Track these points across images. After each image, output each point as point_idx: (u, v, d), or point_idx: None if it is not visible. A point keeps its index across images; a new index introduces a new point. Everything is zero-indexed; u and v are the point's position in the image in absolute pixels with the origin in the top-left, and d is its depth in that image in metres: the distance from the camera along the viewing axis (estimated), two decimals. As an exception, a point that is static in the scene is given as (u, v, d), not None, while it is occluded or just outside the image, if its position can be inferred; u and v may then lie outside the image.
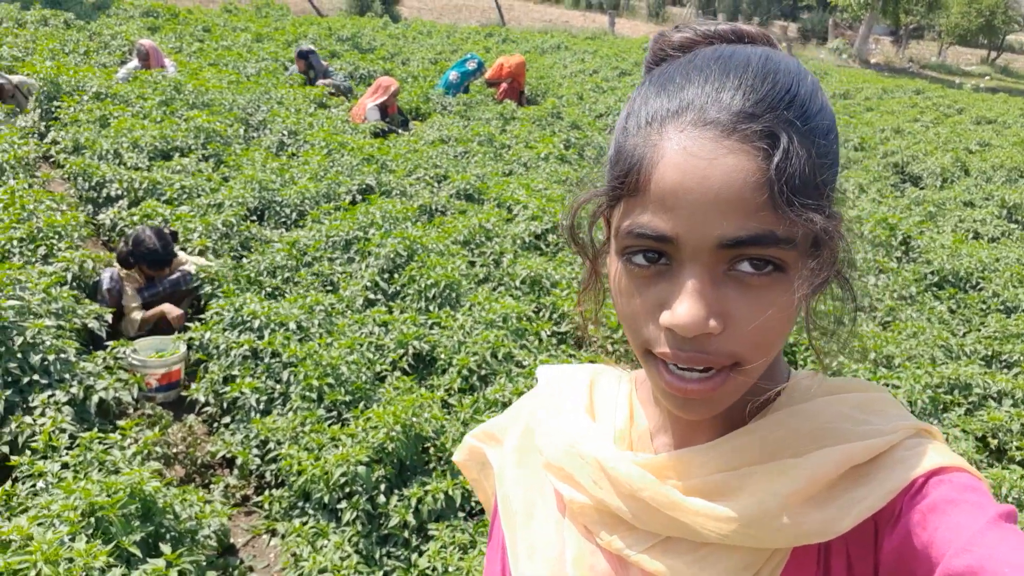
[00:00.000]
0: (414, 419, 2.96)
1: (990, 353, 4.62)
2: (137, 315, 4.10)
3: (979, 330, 4.99)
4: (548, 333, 4.06)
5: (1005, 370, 4.52)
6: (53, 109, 6.80)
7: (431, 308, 4.07)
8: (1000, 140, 11.31)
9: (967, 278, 5.63)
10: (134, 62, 8.41)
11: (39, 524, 2.16)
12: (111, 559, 2.11)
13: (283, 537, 2.86)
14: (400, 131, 8.30)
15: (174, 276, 4.19)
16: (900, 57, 28.49)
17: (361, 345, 3.60)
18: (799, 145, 0.58)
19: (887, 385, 3.92)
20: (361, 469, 2.77)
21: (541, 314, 4.29)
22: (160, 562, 2.13)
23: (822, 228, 0.58)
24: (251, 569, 2.88)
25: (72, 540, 2.10)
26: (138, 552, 2.20)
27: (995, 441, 3.83)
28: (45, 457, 2.62)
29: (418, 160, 6.60)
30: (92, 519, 2.28)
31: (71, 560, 1.99)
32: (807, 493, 0.62)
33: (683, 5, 36.69)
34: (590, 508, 0.72)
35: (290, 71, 9.65)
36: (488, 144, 7.66)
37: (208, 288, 4.09)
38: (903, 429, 0.65)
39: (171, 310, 4.07)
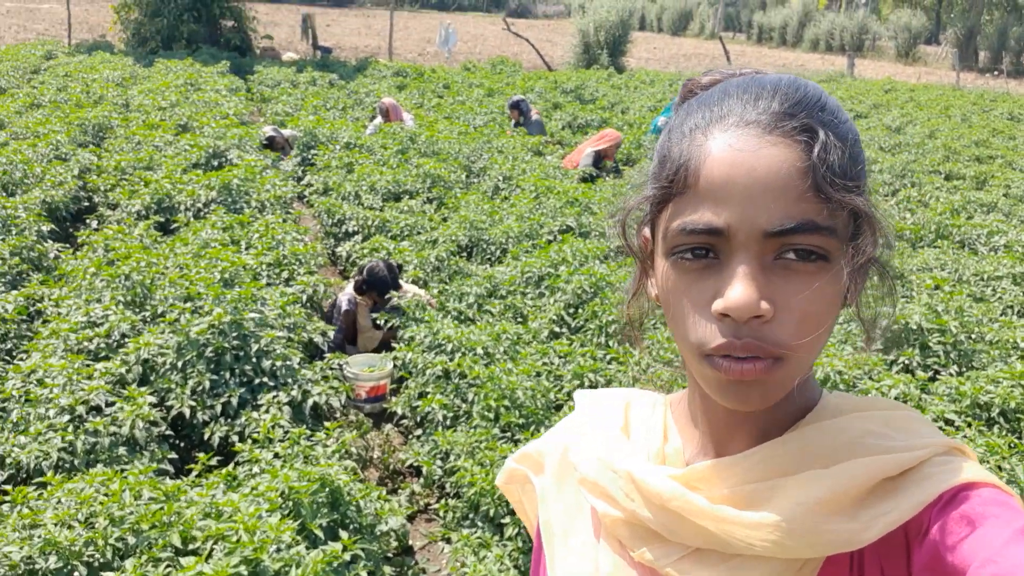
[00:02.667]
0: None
1: None
2: (374, 334, 4.67)
3: None
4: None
5: None
6: (310, 156, 7.88)
7: (610, 343, 4.17)
8: None
9: None
10: (378, 118, 9.51)
11: (246, 500, 2.55)
12: (297, 536, 2.44)
13: (453, 544, 3.08)
14: (607, 177, 8.54)
15: (394, 302, 4.72)
16: None
17: (539, 374, 3.79)
18: (835, 138, 0.63)
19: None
20: (524, 488, 2.92)
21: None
22: (338, 545, 2.43)
23: (863, 208, 0.63)
24: (424, 571, 3.13)
25: (269, 516, 2.46)
26: (321, 534, 2.52)
27: None
28: (262, 447, 3.07)
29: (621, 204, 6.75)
30: (289, 502, 2.65)
31: (265, 532, 2.34)
32: (835, 504, 0.63)
33: (938, 43, 33.76)
34: (622, 522, 0.74)
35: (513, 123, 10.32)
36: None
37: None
38: (933, 445, 0.65)
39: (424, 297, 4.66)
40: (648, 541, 0.72)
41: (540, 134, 9.92)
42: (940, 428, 3.34)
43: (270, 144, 8.23)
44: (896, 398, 3.43)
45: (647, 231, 0.72)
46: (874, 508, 0.63)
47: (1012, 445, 3.20)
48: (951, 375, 3.88)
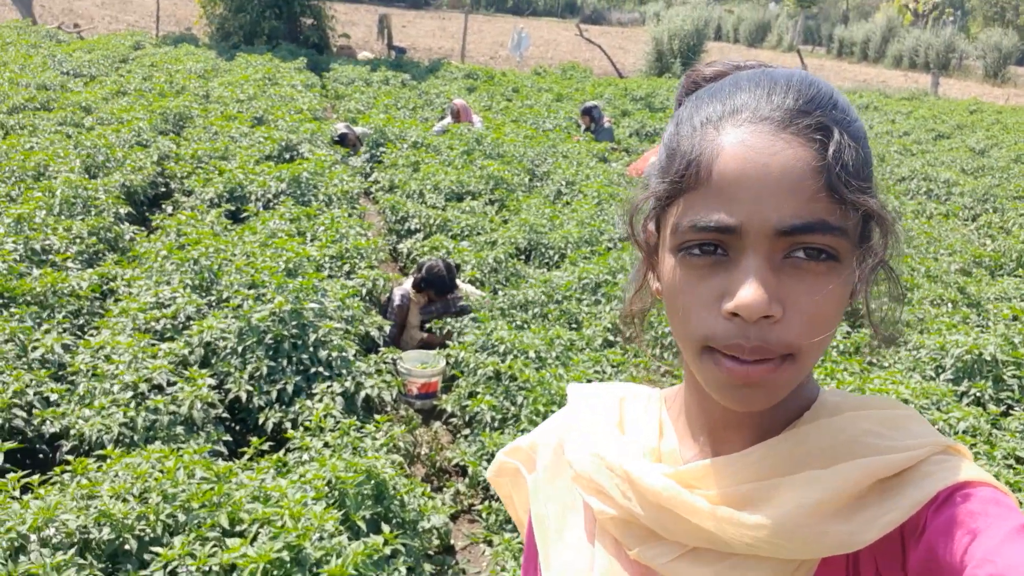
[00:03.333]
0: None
1: None
2: (417, 333, 4.73)
3: None
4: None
5: None
6: (379, 154, 8.01)
7: (665, 355, 4.10)
8: None
9: None
10: (448, 119, 9.60)
11: (293, 487, 2.60)
12: (340, 526, 2.47)
13: (494, 548, 3.07)
14: None
15: (449, 299, 4.74)
16: None
17: (590, 381, 3.75)
18: (849, 137, 0.62)
19: None
20: (568, 495, 2.90)
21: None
22: (380, 539, 2.44)
23: (876, 209, 0.62)
24: (463, 572, 3.13)
25: (315, 504, 2.50)
26: (363, 526, 2.54)
27: None
28: (313, 435, 3.12)
29: (686, 215, 6.66)
30: (335, 492, 2.68)
31: (309, 520, 2.37)
32: (833, 505, 0.63)
33: (1030, 64, 32.24)
34: (618, 520, 0.73)
35: (582, 128, 10.28)
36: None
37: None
38: (930, 445, 0.65)
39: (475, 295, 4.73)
40: (644, 539, 0.71)
41: (608, 141, 9.87)
42: (1011, 467, 3.18)
43: (342, 140, 8.40)
44: (965, 431, 3.28)
45: (652, 226, 0.71)
46: (872, 509, 0.63)
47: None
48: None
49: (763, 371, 0.62)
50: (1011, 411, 3.75)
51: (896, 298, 0.69)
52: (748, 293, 0.60)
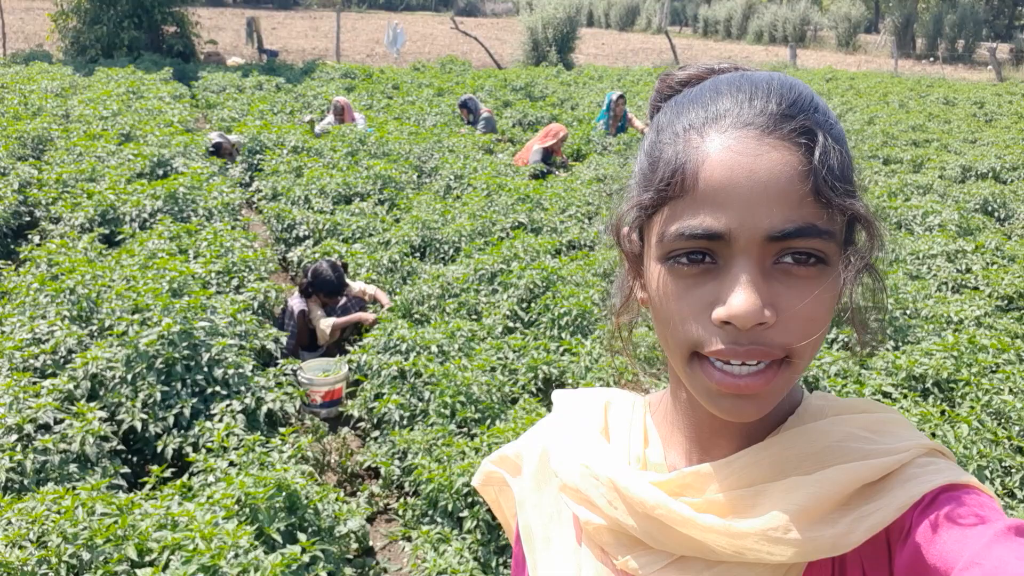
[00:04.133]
0: (533, 438, 3.12)
1: None
2: (326, 323, 4.63)
3: None
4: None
5: None
6: (257, 162, 7.80)
7: (563, 336, 4.24)
8: None
9: None
10: (330, 117, 9.44)
11: (201, 509, 2.55)
12: (255, 541, 2.45)
13: (414, 542, 3.11)
14: (558, 172, 8.62)
15: (343, 303, 4.70)
16: None
17: (494, 368, 3.84)
18: (833, 140, 0.62)
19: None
20: (481, 482, 2.97)
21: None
22: (297, 548, 2.44)
23: (863, 213, 0.62)
24: (385, 571, 3.15)
25: (226, 523, 2.47)
26: (279, 538, 2.53)
27: None
28: (217, 456, 3.06)
29: (571, 199, 6.84)
30: (247, 509, 2.65)
31: (222, 539, 2.35)
32: (819, 510, 0.63)
33: (877, 32, 34.63)
34: (605, 529, 0.72)
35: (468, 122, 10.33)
36: (646, 182, 7.76)
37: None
38: (914, 448, 0.66)
39: (367, 317, 4.58)
40: (632, 549, 0.71)
41: (491, 132, 9.97)
42: (878, 400, 3.49)
43: (216, 151, 8.12)
44: (836, 374, 3.57)
45: (635, 235, 0.71)
46: (857, 512, 0.63)
47: (943, 412, 3.34)
48: (888, 350, 4.03)
49: (756, 384, 0.61)
50: (875, 352, 4.09)
51: (880, 300, 0.69)
52: (740, 300, 0.59)
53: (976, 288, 5.46)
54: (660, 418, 0.78)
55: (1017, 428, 3.62)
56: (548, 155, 8.76)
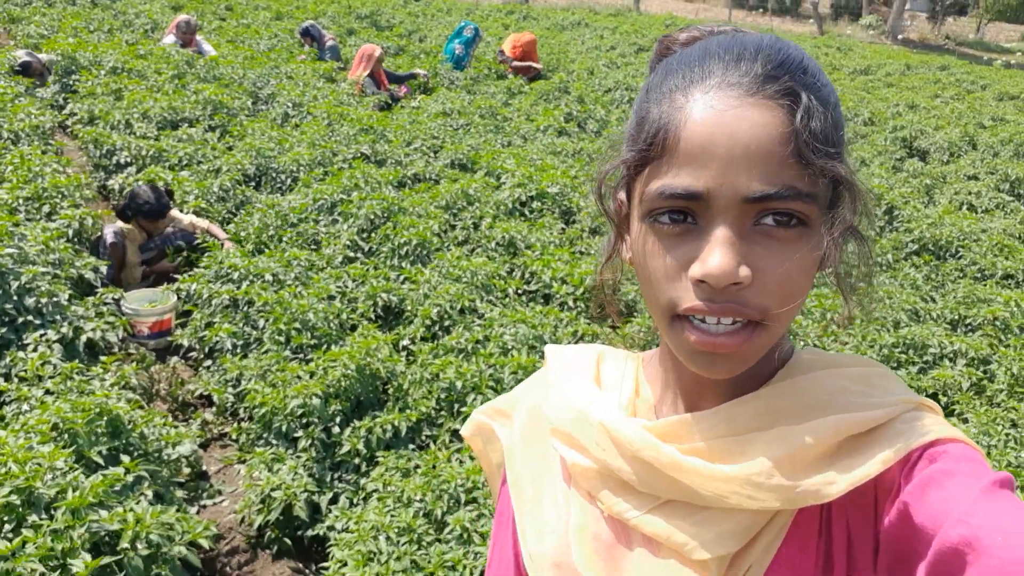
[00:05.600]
0: (368, 359, 3.20)
1: (956, 317, 4.73)
2: (138, 271, 4.46)
3: (951, 296, 5.08)
4: (519, 291, 4.29)
5: (969, 333, 4.62)
6: (72, 83, 7.15)
7: (404, 265, 4.31)
8: (1018, 116, 11.16)
9: (947, 247, 5.70)
10: (171, 37, 8.67)
11: (14, 435, 2.45)
12: (75, 464, 2.39)
13: (248, 463, 3.13)
14: (395, 94, 8.45)
15: (168, 231, 4.50)
16: (936, 34, 27.85)
17: (333, 297, 3.86)
18: (817, 102, 0.62)
19: (834, 340, 4.06)
20: (316, 401, 3.03)
21: (513, 273, 4.51)
22: (120, 469, 2.41)
23: (845, 175, 0.62)
24: (220, 492, 3.16)
25: (42, 447, 2.39)
26: (101, 461, 2.48)
27: (944, 399, 3.96)
28: (31, 385, 2.91)
29: (416, 132, 6.82)
30: (66, 434, 2.57)
31: (38, 462, 2.27)
32: (804, 458, 0.64)
33: (714, -18, 36.19)
34: (593, 472, 0.73)
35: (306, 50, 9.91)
36: (490, 117, 7.85)
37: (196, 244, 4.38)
38: (902, 403, 0.66)
39: (217, 232, 4.50)
40: (618, 492, 0.71)
41: (335, 60, 9.63)
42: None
43: (24, 70, 7.33)
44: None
45: (622, 194, 0.71)
46: (842, 463, 0.63)
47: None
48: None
49: (731, 343, 0.62)
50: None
51: (867, 265, 0.69)
52: (715, 260, 0.60)
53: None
54: (651, 372, 0.79)
55: (802, 344, 4.11)
56: (377, 81, 8.60)
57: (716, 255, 0.60)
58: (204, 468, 3.26)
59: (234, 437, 3.37)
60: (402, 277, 4.26)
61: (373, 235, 4.65)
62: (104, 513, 2.20)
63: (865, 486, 0.63)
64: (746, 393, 0.70)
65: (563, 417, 0.76)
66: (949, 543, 0.56)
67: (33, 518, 2.16)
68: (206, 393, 3.56)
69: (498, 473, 0.89)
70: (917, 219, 6.05)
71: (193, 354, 3.90)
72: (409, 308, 3.93)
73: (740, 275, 0.60)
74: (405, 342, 3.70)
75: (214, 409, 3.55)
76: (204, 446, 3.42)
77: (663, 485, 0.68)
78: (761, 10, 29.58)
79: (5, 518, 2.14)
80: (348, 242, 4.57)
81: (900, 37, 25.59)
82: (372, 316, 3.93)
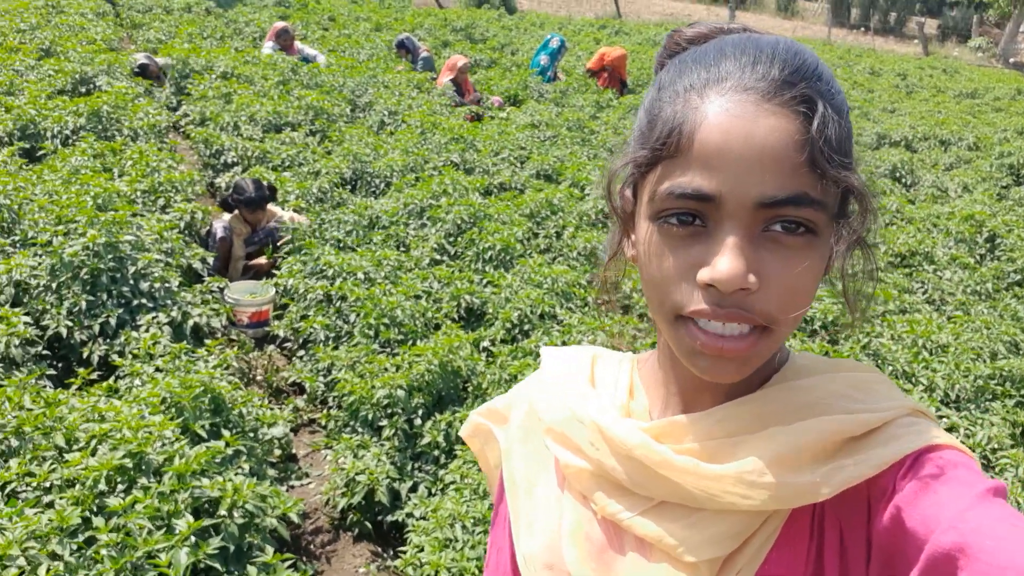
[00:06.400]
0: (450, 356, 3.33)
1: (1060, 352, 4.50)
2: (241, 264, 4.75)
3: (1055, 329, 4.84)
4: (598, 300, 4.35)
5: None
6: (185, 86, 7.63)
7: (487, 269, 4.44)
8: None
9: (1053, 278, 5.43)
10: (271, 43, 9.14)
11: (128, 406, 2.67)
12: (181, 435, 2.59)
13: (334, 449, 3.29)
14: (472, 107, 8.63)
15: (270, 225, 4.77)
16: (1052, 57, 26.36)
17: (419, 296, 4.01)
18: (833, 111, 0.62)
19: (925, 367, 3.94)
20: (400, 393, 3.17)
21: (594, 283, 4.57)
22: (220, 443, 2.59)
23: (857, 186, 0.62)
24: (307, 474, 3.33)
25: (153, 417, 2.59)
26: (204, 434, 2.67)
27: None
28: (144, 362, 3.15)
29: (504, 142, 6.97)
30: (173, 408, 2.78)
31: (148, 430, 2.47)
32: (796, 459, 0.64)
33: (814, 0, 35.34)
34: (587, 472, 0.73)
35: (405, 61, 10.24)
36: (578, 130, 7.94)
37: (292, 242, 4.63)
38: (897, 408, 0.66)
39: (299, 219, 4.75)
40: (612, 493, 0.71)
41: (429, 71, 9.92)
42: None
43: (143, 72, 7.87)
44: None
45: (629, 191, 0.71)
46: (834, 464, 0.63)
47: (825, 351, 3.69)
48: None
49: (739, 347, 0.62)
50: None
51: (870, 275, 0.70)
52: (725, 265, 0.60)
53: (874, 245, 5.88)
54: (647, 373, 0.79)
55: (891, 368, 4.01)
56: (460, 89, 8.81)
57: (725, 260, 0.60)
58: (293, 451, 3.45)
59: (322, 424, 3.55)
60: (485, 281, 4.38)
61: (459, 239, 4.79)
62: (206, 481, 2.37)
63: (858, 489, 0.63)
64: (742, 395, 0.70)
65: (557, 417, 0.77)
66: (941, 548, 0.56)
67: (143, 480, 2.35)
68: (298, 381, 3.76)
69: (495, 474, 0.90)
70: (1020, 248, 5.79)
71: (288, 344, 4.12)
72: (491, 311, 4.04)
73: (748, 281, 0.60)
74: (486, 343, 3.80)
75: (305, 396, 3.74)
76: (294, 431, 3.60)
77: (656, 485, 0.68)
78: (863, 28, 28.69)
79: (118, 479, 2.34)
80: (435, 245, 4.72)
81: (1012, 60, 24.36)
82: (455, 316, 4.06)
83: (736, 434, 0.67)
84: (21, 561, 1.99)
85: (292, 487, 3.22)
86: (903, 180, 8.18)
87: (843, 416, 0.64)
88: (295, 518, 2.56)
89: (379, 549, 3.00)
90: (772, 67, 0.62)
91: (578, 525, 0.74)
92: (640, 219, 0.67)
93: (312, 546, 2.99)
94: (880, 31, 28.81)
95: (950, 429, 3.61)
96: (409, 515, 2.91)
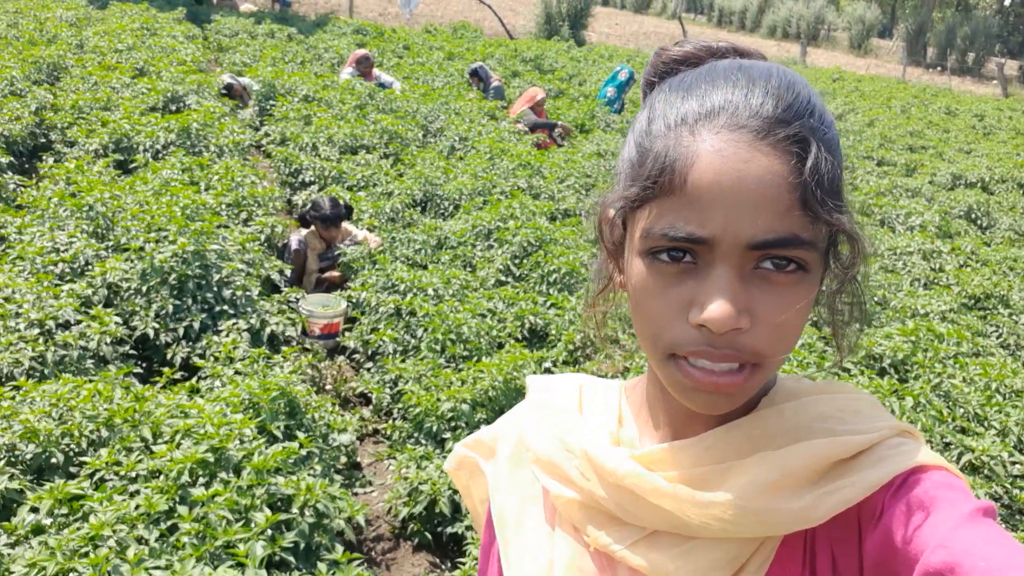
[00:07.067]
0: (514, 374, 3.39)
1: None
2: (314, 277, 4.95)
3: None
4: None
5: None
6: (268, 107, 7.98)
7: (551, 292, 4.50)
8: None
9: None
10: (350, 69, 9.51)
11: (210, 404, 2.81)
12: (258, 435, 2.71)
13: (398, 459, 3.38)
14: (559, 140, 8.80)
15: (344, 243, 4.95)
16: None
17: (484, 315, 4.10)
18: (826, 151, 0.62)
19: (998, 411, 3.83)
20: (465, 407, 3.25)
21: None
22: (295, 444, 2.70)
23: (848, 228, 0.62)
24: (370, 482, 3.43)
25: (233, 416, 2.73)
26: (279, 435, 2.79)
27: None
28: (224, 365, 3.31)
29: (571, 169, 7.07)
30: (252, 408, 2.91)
31: (229, 427, 2.61)
32: (785, 484, 0.64)
33: (890, 37, 34.74)
34: (577, 503, 0.72)
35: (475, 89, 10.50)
36: (644, 160, 7.99)
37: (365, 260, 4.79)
38: (885, 429, 0.66)
39: (372, 239, 4.94)
40: (603, 524, 0.71)
41: (499, 99, 10.13)
42: (837, 376, 3.77)
43: (228, 91, 8.28)
44: (800, 346, 3.84)
45: (619, 222, 0.70)
46: (825, 488, 0.63)
47: (895, 388, 3.63)
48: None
49: (733, 382, 0.63)
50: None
51: (859, 314, 0.70)
52: (717, 307, 0.60)
53: (947, 286, 5.75)
54: (635, 402, 0.79)
55: (962, 411, 3.91)
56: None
57: (718, 303, 0.60)
58: (358, 459, 3.55)
59: (387, 434, 3.64)
60: (549, 303, 4.45)
61: (524, 261, 4.88)
62: (281, 479, 2.48)
63: (849, 512, 0.63)
64: (730, 421, 0.70)
65: (546, 447, 0.76)
66: (932, 567, 0.56)
67: (222, 475, 2.47)
68: (365, 391, 3.88)
69: (482, 507, 0.89)
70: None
71: (357, 356, 4.26)
72: (554, 332, 4.10)
73: (740, 323, 0.60)
74: (548, 364, 3.86)
75: (371, 407, 3.85)
76: (359, 440, 3.71)
77: (647, 514, 0.68)
78: (939, 68, 28.05)
79: (200, 472, 2.47)
80: (501, 266, 4.83)
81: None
82: (519, 336, 4.14)
83: (726, 460, 0.67)
84: (111, 542, 2.12)
85: (356, 494, 3.32)
86: (979, 222, 7.97)
87: (831, 439, 0.64)
88: (361, 521, 2.65)
89: (437, 560, 3.06)
90: (766, 102, 0.62)
91: (571, 559, 0.73)
92: (631, 253, 0.67)
93: (373, 552, 3.07)
94: (957, 71, 28.12)
95: (1025, 476, 3.50)
96: (468, 527, 2.96)
